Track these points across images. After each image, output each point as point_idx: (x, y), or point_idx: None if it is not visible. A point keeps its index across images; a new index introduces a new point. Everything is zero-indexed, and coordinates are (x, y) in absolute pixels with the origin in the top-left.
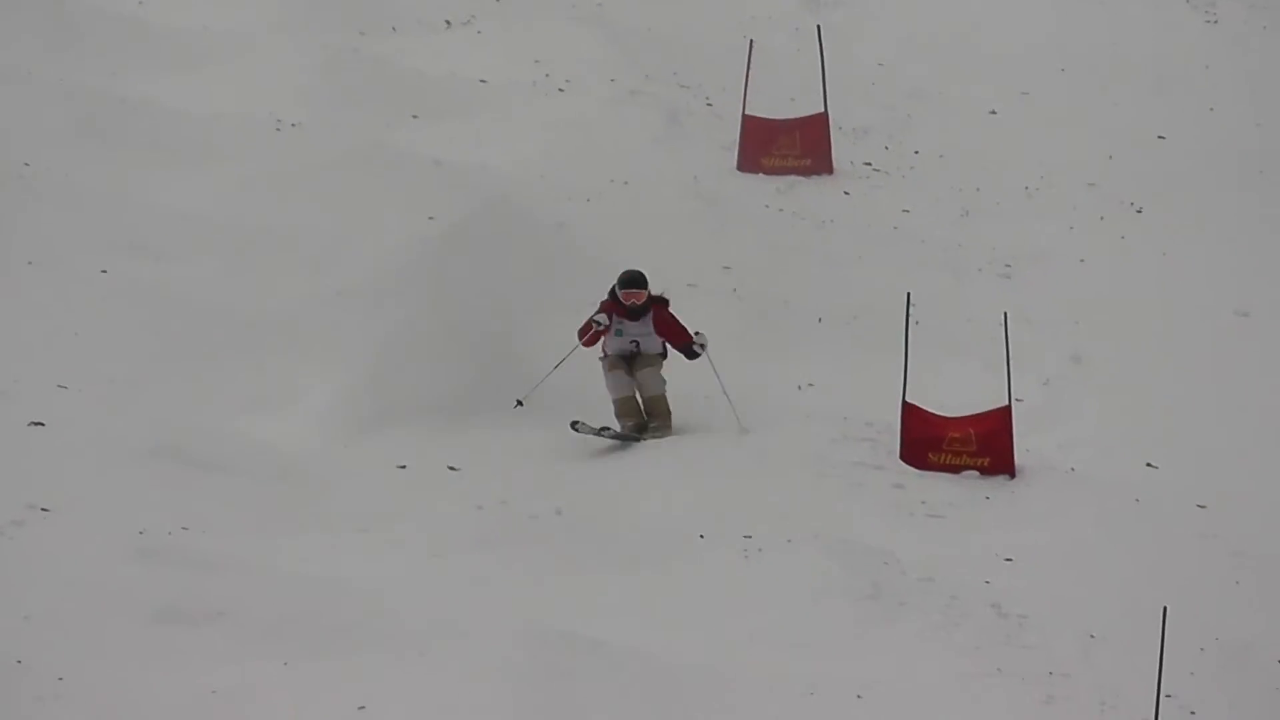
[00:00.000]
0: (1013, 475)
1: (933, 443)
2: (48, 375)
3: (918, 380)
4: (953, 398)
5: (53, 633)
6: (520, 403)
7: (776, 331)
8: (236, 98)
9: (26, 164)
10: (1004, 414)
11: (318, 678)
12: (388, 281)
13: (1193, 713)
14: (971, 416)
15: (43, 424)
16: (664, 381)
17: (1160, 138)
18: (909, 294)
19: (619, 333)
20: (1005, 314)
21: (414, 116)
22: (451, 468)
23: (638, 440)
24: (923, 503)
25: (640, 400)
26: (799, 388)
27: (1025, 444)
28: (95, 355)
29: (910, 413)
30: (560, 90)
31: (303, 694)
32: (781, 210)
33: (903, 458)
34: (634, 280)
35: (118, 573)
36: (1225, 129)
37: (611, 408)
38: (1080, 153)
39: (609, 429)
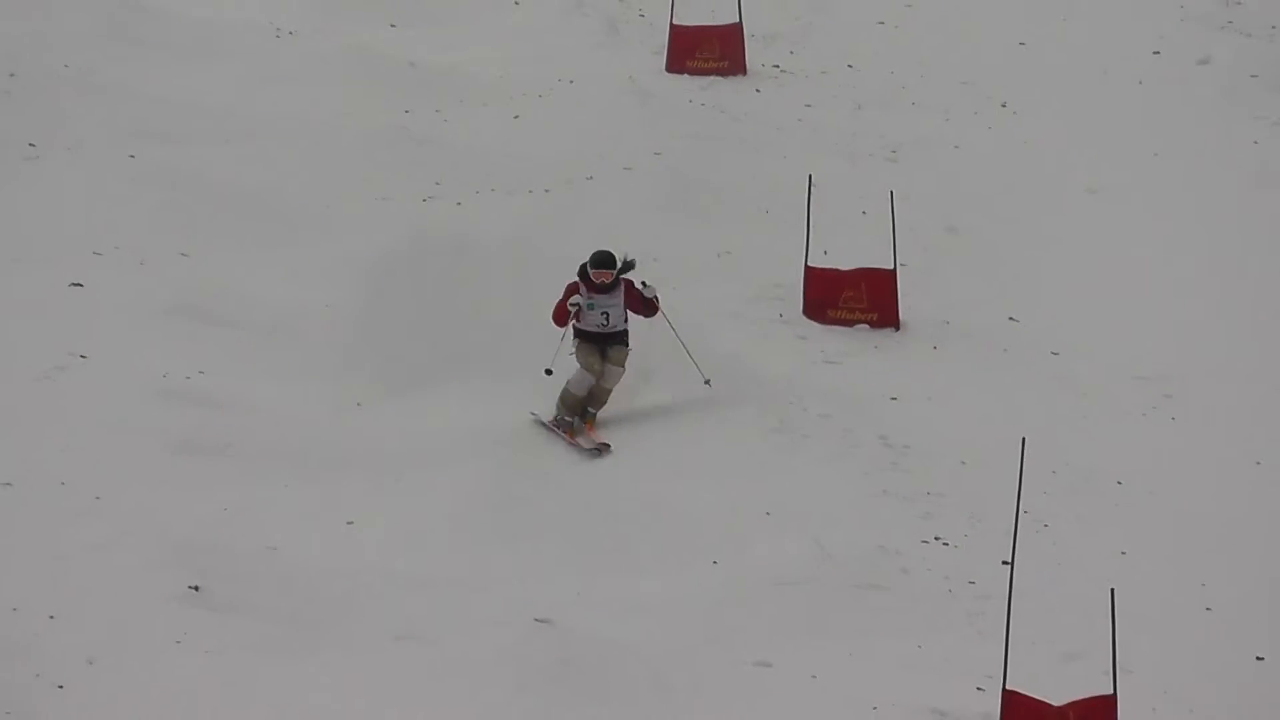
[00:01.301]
0: (898, 328)
1: (830, 301)
2: (85, 244)
3: (818, 248)
4: (847, 263)
5: (89, 459)
6: (550, 371)
7: (699, 207)
8: (241, 7)
9: (66, 65)
10: (890, 276)
11: (312, 499)
12: (373, 163)
13: (1046, 525)
14: (863, 274)
15: (81, 285)
16: (619, 379)
17: (1021, 44)
18: (810, 175)
19: (590, 306)
20: (891, 192)
21: (392, 25)
22: (416, 326)
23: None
24: (822, 351)
25: (592, 392)
26: (717, 255)
27: (908, 302)
28: (125, 227)
29: (811, 275)
30: (516, 4)
31: (300, 512)
32: (703, 105)
33: (805, 314)
34: (604, 261)
35: (144, 410)
36: (1078, 35)
37: (569, 385)
38: (955, 56)
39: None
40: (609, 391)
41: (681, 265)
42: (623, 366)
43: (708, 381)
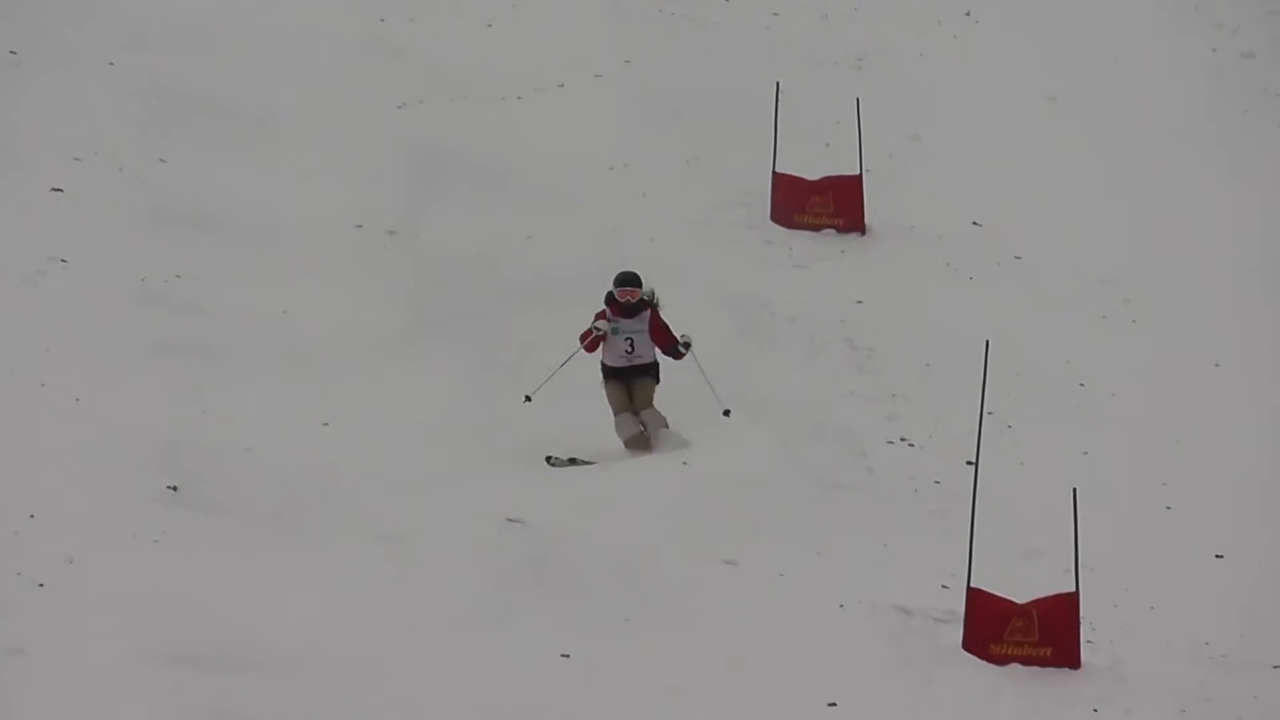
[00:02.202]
0: (863, 232)
1: (797, 206)
2: (65, 150)
3: (785, 153)
4: (813, 169)
5: (69, 362)
6: (529, 398)
7: (668, 114)
8: None
9: None
10: (856, 182)
11: (289, 402)
12: (349, 71)
13: (1009, 426)
14: (830, 180)
15: (61, 190)
16: (664, 420)
17: None
18: (778, 83)
19: (615, 330)
20: (858, 99)
21: None
22: (392, 232)
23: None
24: (789, 256)
25: (645, 431)
26: (686, 162)
27: (873, 207)
28: (105, 133)
29: (779, 181)
30: None
31: (278, 414)
32: (673, 14)
33: (773, 219)
34: (629, 280)
35: (124, 313)
36: None
37: (618, 433)
38: None
39: (579, 460)
40: (661, 429)
41: (650, 172)
42: (654, 406)
43: (727, 412)
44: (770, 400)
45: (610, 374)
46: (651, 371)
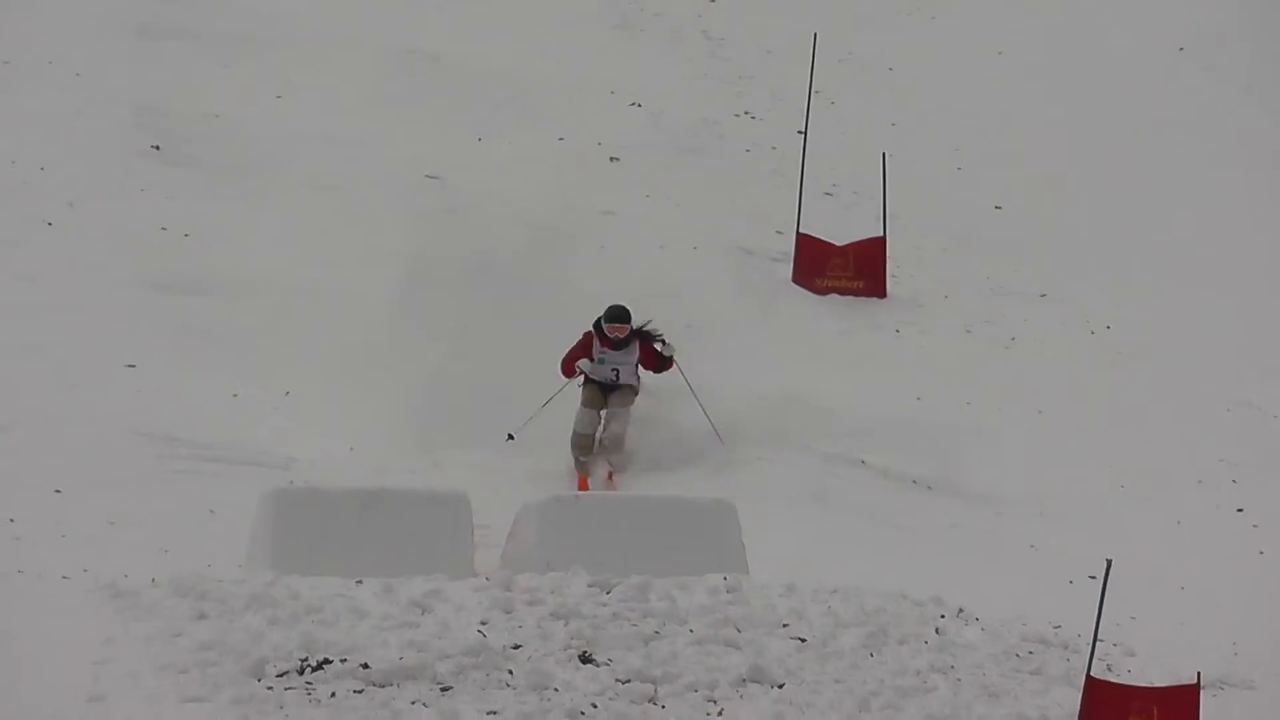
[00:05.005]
0: None
1: None
2: None
3: None
4: None
5: (70, 43)
6: (512, 436)
7: None
8: None
9: None
10: None
11: (248, 75)
12: None
13: (833, 102)
14: None
15: None
16: (629, 421)
17: None
18: None
19: (601, 360)
20: None
21: None
22: None
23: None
24: None
25: (599, 437)
26: None
27: None
28: None
29: None
30: None
31: (236, 87)
32: None
33: None
34: (618, 315)
35: (115, 2)
36: None
37: (575, 424)
38: None
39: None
40: (620, 436)
41: None
42: (627, 408)
43: (720, 438)
44: (640, 81)
45: (591, 383)
46: (633, 383)
